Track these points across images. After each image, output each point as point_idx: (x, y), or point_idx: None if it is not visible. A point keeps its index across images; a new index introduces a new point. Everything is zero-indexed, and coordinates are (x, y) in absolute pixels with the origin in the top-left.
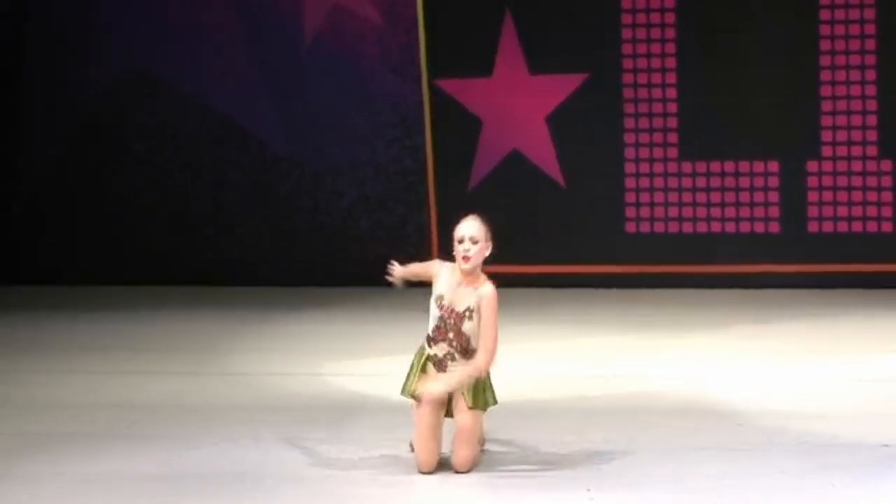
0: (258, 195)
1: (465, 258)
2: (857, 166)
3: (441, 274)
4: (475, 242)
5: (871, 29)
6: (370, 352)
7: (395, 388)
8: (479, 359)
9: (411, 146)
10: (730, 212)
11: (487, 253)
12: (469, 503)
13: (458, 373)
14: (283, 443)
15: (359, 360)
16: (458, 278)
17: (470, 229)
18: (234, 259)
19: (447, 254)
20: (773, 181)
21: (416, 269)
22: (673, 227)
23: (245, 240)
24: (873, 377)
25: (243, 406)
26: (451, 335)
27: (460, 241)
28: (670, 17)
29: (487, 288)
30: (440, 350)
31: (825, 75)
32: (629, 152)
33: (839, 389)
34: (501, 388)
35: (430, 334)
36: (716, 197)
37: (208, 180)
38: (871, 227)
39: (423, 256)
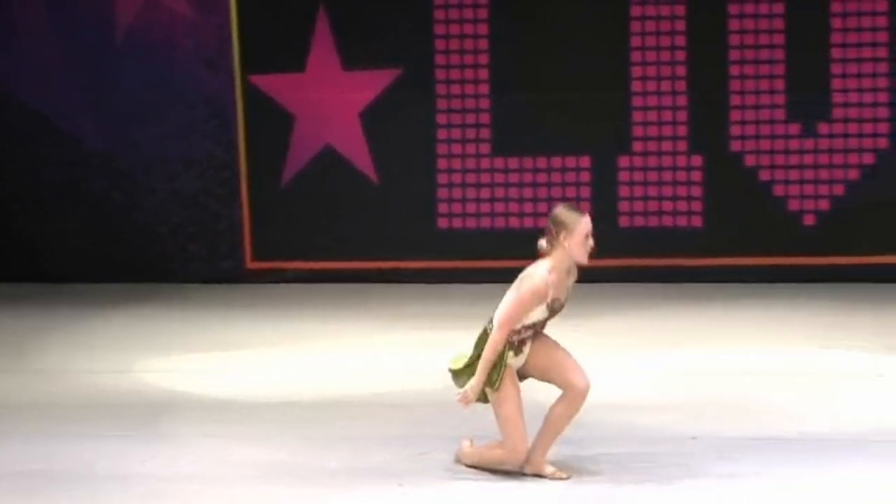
0: (72, 191)
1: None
2: (667, 161)
3: (551, 283)
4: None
5: (680, 25)
6: (182, 348)
7: (206, 385)
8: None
9: (224, 141)
10: (542, 207)
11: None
12: (276, 496)
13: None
14: (95, 439)
15: (170, 357)
16: (562, 274)
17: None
18: (46, 255)
19: (262, 249)
20: (585, 176)
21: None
22: (485, 223)
23: (58, 235)
24: (682, 369)
25: (53, 403)
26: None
27: (587, 236)
28: (483, 13)
29: (532, 279)
30: (529, 334)
31: (636, 71)
32: (442, 148)
33: (647, 381)
34: (306, 383)
35: (521, 328)
36: (528, 192)
37: (23, 177)
38: (682, 221)
39: (236, 252)
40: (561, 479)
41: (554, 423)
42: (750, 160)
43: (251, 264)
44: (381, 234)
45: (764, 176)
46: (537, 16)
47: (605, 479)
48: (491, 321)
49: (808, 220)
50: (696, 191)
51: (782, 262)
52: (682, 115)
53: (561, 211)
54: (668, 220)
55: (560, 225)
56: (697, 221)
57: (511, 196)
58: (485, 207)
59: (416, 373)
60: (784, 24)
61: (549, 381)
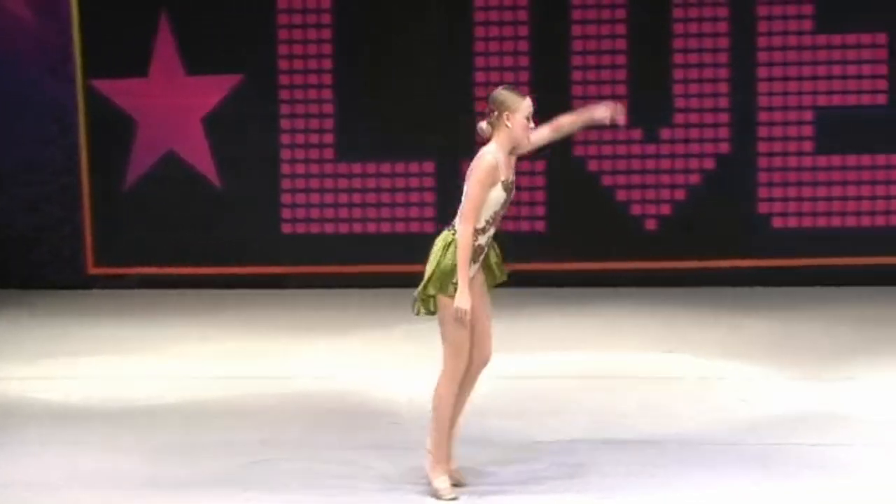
0: None
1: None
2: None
3: (501, 162)
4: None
5: (524, 31)
6: (24, 355)
7: (47, 392)
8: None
9: (66, 146)
10: (385, 212)
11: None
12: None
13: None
14: None
15: (12, 364)
16: (506, 156)
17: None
18: None
19: (105, 255)
20: (429, 181)
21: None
22: (329, 228)
23: None
24: (518, 374)
25: None
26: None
27: (528, 118)
28: (326, 18)
29: (480, 159)
30: (485, 240)
31: (479, 77)
32: (285, 153)
33: (486, 387)
34: (147, 389)
35: (485, 224)
36: (371, 198)
37: None
38: (525, 226)
39: (78, 258)
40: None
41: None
42: (592, 165)
43: (93, 270)
44: (224, 239)
45: (606, 181)
46: (380, 21)
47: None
48: (451, 226)
49: (650, 225)
50: (539, 196)
51: (625, 266)
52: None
53: (502, 92)
54: (510, 225)
55: (502, 105)
56: (540, 226)
57: (355, 201)
58: (328, 213)
59: (257, 379)
60: (626, 29)
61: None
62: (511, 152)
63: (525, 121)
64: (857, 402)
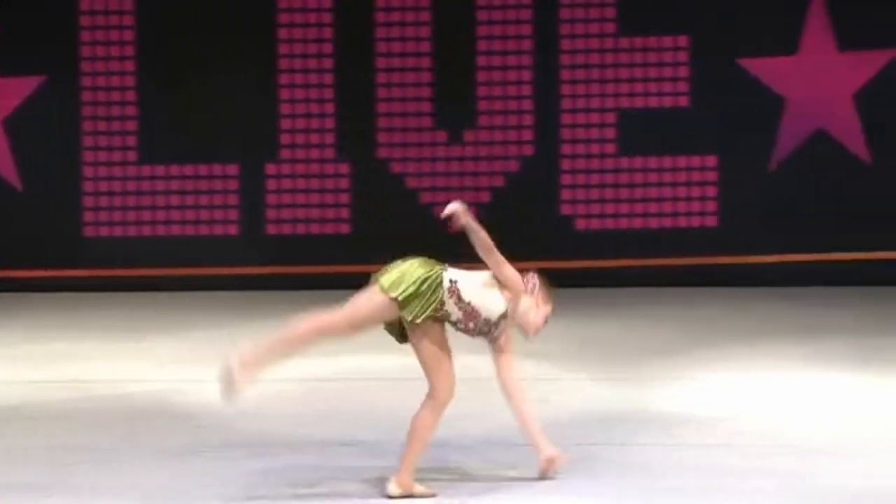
0: None
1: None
2: (314, 168)
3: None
4: None
5: (328, 33)
6: None
7: None
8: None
9: None
10: (189, 214)
11: None
12: None
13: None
14: None
15: None
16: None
17: None
18: None
19: None
20: (233, 184)
21: None
22: (132, 231)
23: None
24: (325, 377)
25: None
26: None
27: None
28: (128, 20)
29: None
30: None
31: (283, 79)
32: (88, 156)
33: (282, 391)
34: None
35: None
36: (175, 200)
37: None
38: (329, 228)
39: None
40: (431, 496)
41: (422, 433)
42: (397, 167)
43: None
44: (25, 242)
45: (411, 183)
46: (184, 22)
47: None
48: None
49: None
50: (344, 198)
51: None
52: (330, 123)
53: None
54: (315, 228)
55: (544, 294)
56: (345, 228)
57: (158, 204)
58: (131, 216)
59: (58, 383)
60: (430, 32)
61: (424, 367)
62: (509, 318)
63: (542, 320)
64: (657, 402)
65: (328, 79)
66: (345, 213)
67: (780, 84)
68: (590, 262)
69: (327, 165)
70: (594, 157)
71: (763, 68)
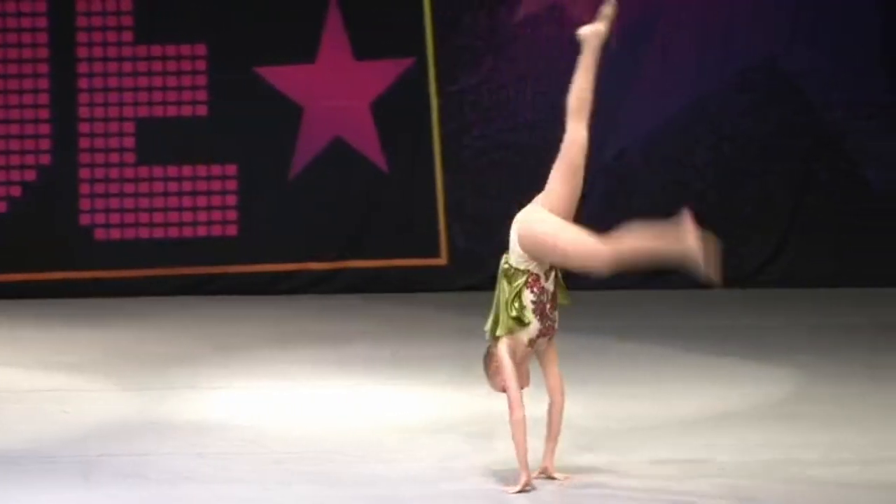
0: None
1: None
2: None
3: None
4: None
5: None
6: None
7: None
8: None
9: None
10: None
11: None
12: None
13: None
14: None
15: None
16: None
17: None
18: None
19: None
20: None
21: None
22: None
23: None
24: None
25: None
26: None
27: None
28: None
29: None
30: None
31: None
32: None
33: None
34: None
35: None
36: None
37: None
38: None
39: None
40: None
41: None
42: None
43: None
44: None
45: None
46: None
47: None
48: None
49: None
50: None
51: None
52: None
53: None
54: None
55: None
56: None
57: None
58: None
59: None
60: None
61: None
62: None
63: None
64: (182, 411)
65: None
66: None
67: (298, 93)
68: (112, 271)
69: None
70: (113, 166)
71: (281, 77)
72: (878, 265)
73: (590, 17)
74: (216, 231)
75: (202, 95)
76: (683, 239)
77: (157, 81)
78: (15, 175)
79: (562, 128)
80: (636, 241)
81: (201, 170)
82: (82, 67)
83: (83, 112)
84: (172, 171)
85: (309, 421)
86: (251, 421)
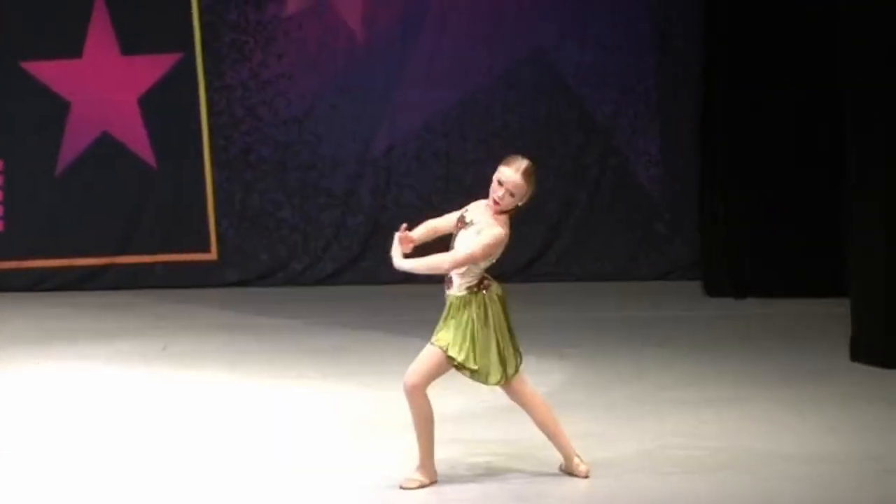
0: None
1: (496, 202)
2: None
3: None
4: (511, 195)
5: None
6: None
7: None
8: (441, 256)
9: None
10: None
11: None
12: None
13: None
14: None
15: None
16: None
17: (510, 180)
18: None
19: None
20: None
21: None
22: None
23: None
24: None
25: None
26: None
27: (500, 184)
28: None
29: (498, 228)
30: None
31: None
32: None
33: None
34: None
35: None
36: None
37: None
38: None
39: None
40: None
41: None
42: None
43: None
44: None
45: None
46: None
47: None
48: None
49: None
50: None
51: None
52: None
53: (533, 169)
54: None
55: (530, 188)
56: None
57: None
58: None
59: None
60: None
61: None
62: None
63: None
64: None
65: None
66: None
67: (65, 88)
68: None
69: None
70: None
71: (47, 72)
72: (644, 261)
73: (356, 15)
74: None
75: None
76: None
77: None
78: None
79: (333, 123)
80: None
81: None
82: None
83: None
84: None
85: (70, 417)
86: None
